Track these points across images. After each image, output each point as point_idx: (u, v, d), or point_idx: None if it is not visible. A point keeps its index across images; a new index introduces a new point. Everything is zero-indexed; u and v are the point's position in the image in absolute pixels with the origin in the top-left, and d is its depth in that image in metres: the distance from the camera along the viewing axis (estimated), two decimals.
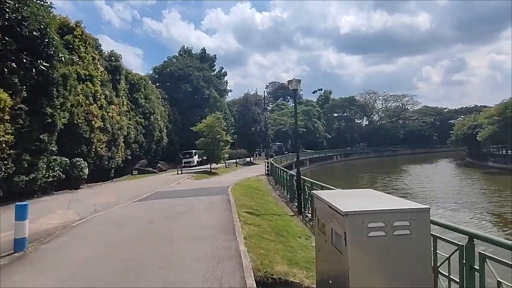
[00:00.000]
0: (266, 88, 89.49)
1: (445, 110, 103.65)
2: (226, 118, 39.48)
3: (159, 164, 35.08)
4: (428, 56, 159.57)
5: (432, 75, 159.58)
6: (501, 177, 33.14)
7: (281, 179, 17.88)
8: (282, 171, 17.78)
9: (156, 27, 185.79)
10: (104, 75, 23.51)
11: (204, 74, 46.51)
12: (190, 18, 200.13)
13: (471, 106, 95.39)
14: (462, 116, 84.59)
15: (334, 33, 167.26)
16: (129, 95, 29.72)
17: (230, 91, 58.66)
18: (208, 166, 31.66)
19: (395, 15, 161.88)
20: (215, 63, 56.75)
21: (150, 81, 37.39)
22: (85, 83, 20.46)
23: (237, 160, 41.42)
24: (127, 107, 28.41)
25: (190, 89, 43.70)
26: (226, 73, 57.27)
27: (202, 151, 30.84)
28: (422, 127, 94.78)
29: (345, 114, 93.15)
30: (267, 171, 27.39)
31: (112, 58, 26.18)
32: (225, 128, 32.29)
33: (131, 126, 28.17)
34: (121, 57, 27.19)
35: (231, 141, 32.75)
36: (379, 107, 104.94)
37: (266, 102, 49.18)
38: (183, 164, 34.22)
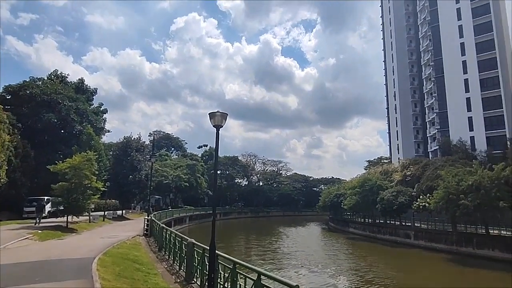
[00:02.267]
0: (149, 135, 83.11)
1: (311, 179, 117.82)
2: (100, 160, 32.62)
3: None
4: (295, 131, 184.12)
5: (297, 147, 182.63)
6: (360, 242, 38.82)
7: (168, 244, 13.85)
8: (172, 236, 13.40)
9: (22, 49, 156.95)
10: None
11: (78, 106, 38.81)
12: (70, 50, 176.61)
13: (329, 177, 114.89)
14: (323, 185, 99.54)
15: (220, 96, 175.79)
16: None
17: (109, 131, 50.56)
18: (65, 218, 23.96)
19: (271, 92, 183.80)
20: (93, 97, 48.96)
21: None
22: None
23: (106, 213, 33.81)
24: None
25: (55, 120, 35.20)
26: (107, 110, 49.68)
27: (60, 199, 23.39)
28: (292, 191, 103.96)
29: (227, 172, 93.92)
30: (146, 230, 22.36)
31: None
32: (97, 172, 26.04)
33: None
34: None
35: (102, 189, 26.35)
36: (258, 169, 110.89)
37: (150, 150, 44.46)
38: (25, 215, 27.54)
